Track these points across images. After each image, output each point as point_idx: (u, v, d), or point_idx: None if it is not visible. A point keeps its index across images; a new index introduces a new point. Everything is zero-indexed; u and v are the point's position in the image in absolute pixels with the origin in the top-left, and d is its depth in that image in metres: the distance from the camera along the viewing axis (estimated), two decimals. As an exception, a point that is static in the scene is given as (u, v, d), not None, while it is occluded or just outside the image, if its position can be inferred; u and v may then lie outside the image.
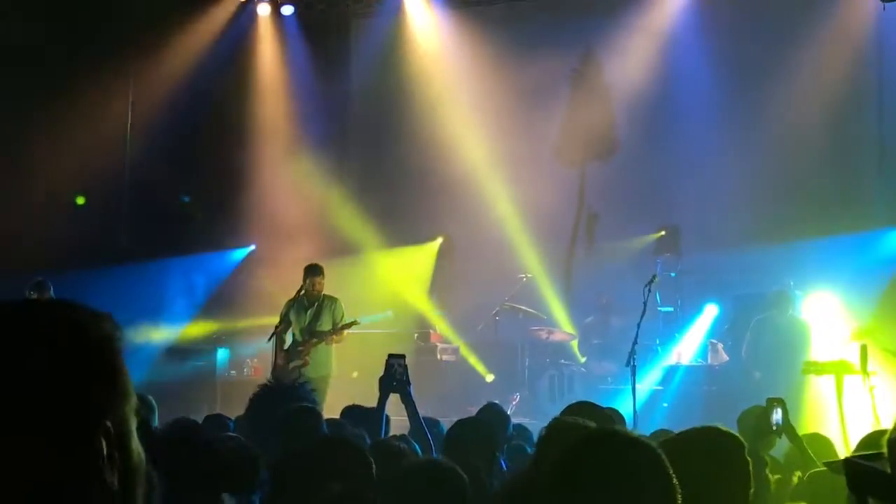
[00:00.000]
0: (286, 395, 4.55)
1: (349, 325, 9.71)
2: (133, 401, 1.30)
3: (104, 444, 1.24)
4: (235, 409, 5.97)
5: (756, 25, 12.49)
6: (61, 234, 11.96)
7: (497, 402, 6.31)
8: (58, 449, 1.22)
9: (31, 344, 1.24)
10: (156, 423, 4.96)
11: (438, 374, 12.14)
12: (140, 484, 1.30)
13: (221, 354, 12.49)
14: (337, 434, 4.09)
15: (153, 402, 5.13)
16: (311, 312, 9.75)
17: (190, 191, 13.56)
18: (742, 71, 12.41)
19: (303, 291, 9.76)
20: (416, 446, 4.30)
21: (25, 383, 1.22)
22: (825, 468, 3.41)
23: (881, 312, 9.85)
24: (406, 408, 4.76)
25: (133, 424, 1.30)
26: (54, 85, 11.93)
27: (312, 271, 9.80)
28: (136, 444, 1.30)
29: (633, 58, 12.92)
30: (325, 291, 9.94)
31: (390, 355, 4.77)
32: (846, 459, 2.00)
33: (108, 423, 1.25)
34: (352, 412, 5.29)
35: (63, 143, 11.83)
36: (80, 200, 12.82)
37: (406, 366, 4.70)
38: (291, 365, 9.56)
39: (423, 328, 13.14)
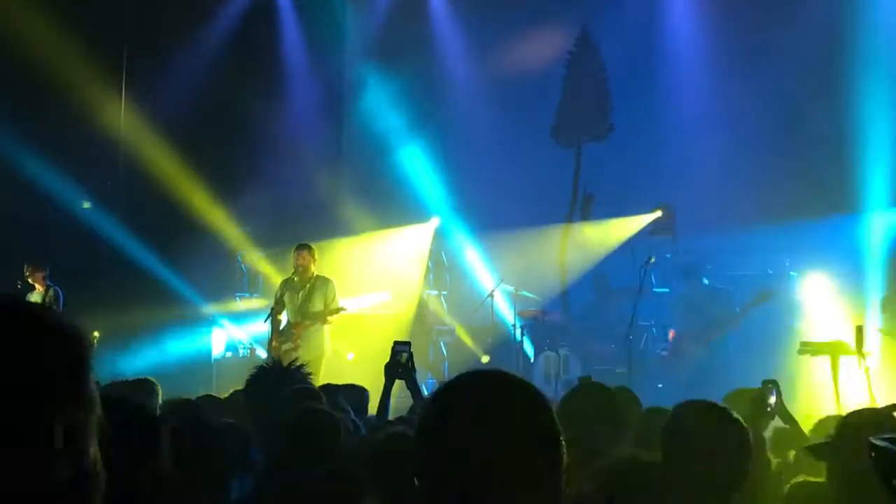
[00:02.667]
0: (280, 378, 4.56)
1: (335, 312, 9.73)
2: (95, 410, 1.35)
3: (50, 444, 1.28)
4: (231, 390, 5.97)
5: (751, 6, 12.46)
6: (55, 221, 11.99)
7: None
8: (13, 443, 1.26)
9: None
10: (159, 402, 4.96)
11: (434, 356, 12.16)
12: (96, 489, 1.35)
13: (217, 335, 12.51)
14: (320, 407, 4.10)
15: (156, 385, 5.12)
16: (302, 294, 9.77)
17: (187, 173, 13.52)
18: (737, 51, 12.37)
19: (294, 272, 9.80)
20: None
21: None
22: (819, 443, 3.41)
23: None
24: (412, 394, 4.82)
25: (92, 431, 1.34)
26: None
27: (297, 248, 9.87)
28: (93, 451, 1.35)
29: (628, 39, 12.89)
30: (321, 272, 9.95)
31: (396, 342, 4.82)
32: (870, 441, 1.99)
33: (59, 426, 1.30)
34: (327, 390, 5.32)
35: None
36: (86, 205, 12.82)
37: (412, 353, 4.76)
38: (284, 347, 9.57)
39: (419, 309, 13.15)
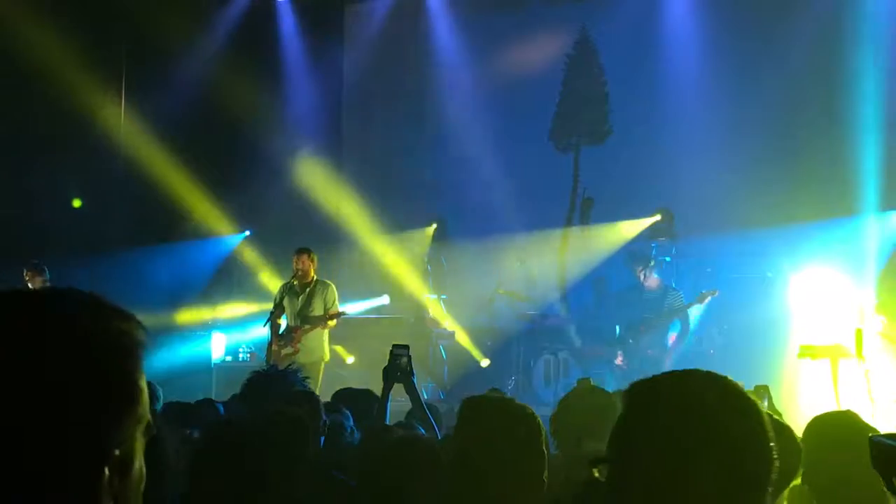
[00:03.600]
0: (278, 381, 4.56)
1: (335, 316, 9.72)
2: (146, 419, 1.14)
3: (107, 475, 1.07)
4: (230, 395, 5.96)
5: (750, 8, 12.47)
6: (55, 221, 11.97)
7: (496, 387, 6.32)
8: (58, 486, 1.04)
9: (34, 362, 1.04)
10: (159, 406, 4.96)
11: (433, 359, 12.15)
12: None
13: (217, 340, 12.50)
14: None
15: (158, 390, 5.11)
16: (302, 298, 9.75)
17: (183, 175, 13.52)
18: (736, 54, 12.39)
19: (294, 276, 9.79)
20: (422, 431, 4.35)
21: (28, 414, 1.02)
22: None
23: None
24: (410, 398, 4.80)
25: (140, 444, 1.13)
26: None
27: (297, 252, 9.85)
28: (139, 465, 1.14)
29: (627, 41, 12.90)
30: (321, 277, 9.94)
31: (394, 346, 4.80)
32: (871, 439, 1.99)
33: (117, 453, 1.08)
34: (343, 396, 5.30)
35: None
36: (77, 203, 12.80)
37: (410, 356, 4.74)
38: (283, 351, 9.56)
39: (418, 313, 13.14)
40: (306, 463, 3.52)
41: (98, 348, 1.09)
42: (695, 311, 10.41)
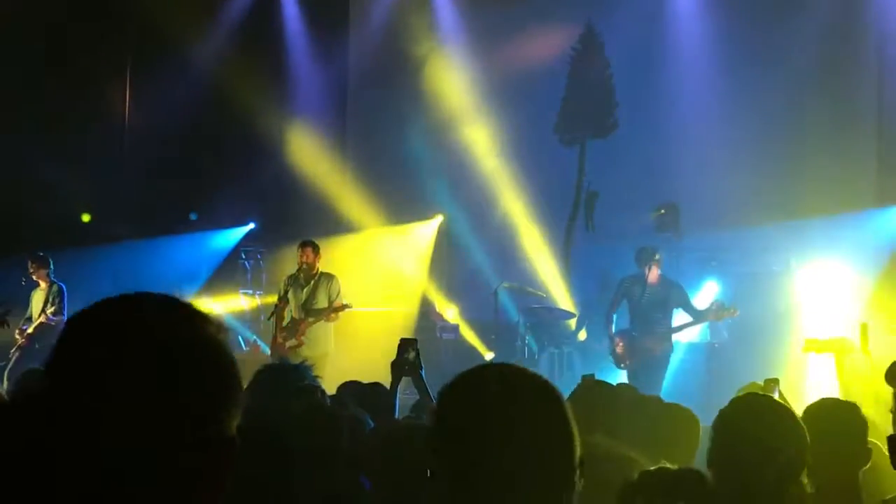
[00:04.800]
0: (287, 375, 4.56)
1: (341, 308, 9.72)
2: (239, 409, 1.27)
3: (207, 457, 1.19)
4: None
5: (757, 2, 12.45)
6: (60, 213, 11.99)
7: None
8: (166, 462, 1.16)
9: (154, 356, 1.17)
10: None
11: (438, 353, 12.14)
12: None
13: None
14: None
15: None
16: (307, 290, 9.76)
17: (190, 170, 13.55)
18: (743, 47, 12.36)
19: (299, 268, 9.79)
20: None
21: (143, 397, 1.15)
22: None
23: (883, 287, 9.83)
24: (419, 391, 4.82)
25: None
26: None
27: (301, 245, 9.84)
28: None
29: (633, 35, 12.87)
30: (325, 269, 9.95)
31: (403, 339, 4.82)
32: (890, 437, 2.00)
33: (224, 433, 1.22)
34: (348, 388, 5.30)
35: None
36: (86, 218, 12.84)
37: (418, 350, 4.75)
38: (288, 344, 9.57)
39: (422, 306, 13.15)
40: (338, 456, 3.53)
41: (213, 353, 1.24)
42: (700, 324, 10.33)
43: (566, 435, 1.68)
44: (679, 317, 9.99)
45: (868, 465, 3.23)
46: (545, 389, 1.73)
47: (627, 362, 9.86)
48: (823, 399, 3.53)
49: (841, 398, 7.90)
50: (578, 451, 1.68)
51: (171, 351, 1.18)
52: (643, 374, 9.40)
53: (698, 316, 9.88)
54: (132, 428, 1.13)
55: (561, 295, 12.85)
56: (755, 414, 2.82)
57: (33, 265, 10.52)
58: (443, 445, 1.69)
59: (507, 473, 1.62)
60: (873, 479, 3.35)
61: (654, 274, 9.90)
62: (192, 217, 13.46)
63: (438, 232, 13.95)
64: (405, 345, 4.76)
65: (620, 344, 9.93)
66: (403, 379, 4.79)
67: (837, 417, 3.10)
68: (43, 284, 10.54)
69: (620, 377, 9.35)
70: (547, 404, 1.71)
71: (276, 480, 2.86)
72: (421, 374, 4.77)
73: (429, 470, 1.71)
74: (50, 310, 10.39)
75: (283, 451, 2.93)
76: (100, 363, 1.15)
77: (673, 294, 9.88)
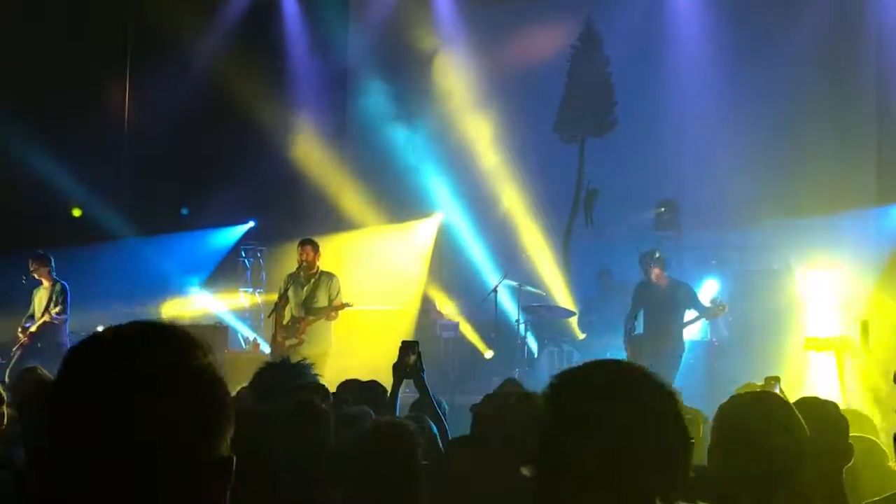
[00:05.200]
0: (287, 374, 4.57)
1: (341, 307, 9.72)
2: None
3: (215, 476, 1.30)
4: (233, 385, 5.96)
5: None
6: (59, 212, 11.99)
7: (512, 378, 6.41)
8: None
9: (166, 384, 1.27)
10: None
11: (437, 351, 12.14)
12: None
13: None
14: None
15: None
16: (307, 289, 9.76)
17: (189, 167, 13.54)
18: (742, 45, 12.34)
19: (299, 267, 9.79)
20: (434, 427, 4.37)
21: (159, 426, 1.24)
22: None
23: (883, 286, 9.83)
24: (419, 392, 4.83)
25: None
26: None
27: (301, 243, 9.86)
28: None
29: (632, 33, 12.87)
30: (325, 267, 9.94)
31: (404, 342, 4.83)
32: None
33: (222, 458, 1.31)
34: (348, 386, 5.30)
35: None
36: (77, 212, 12.81)
37: (420, 352, 4.76)
38: (288, 342, 9.56)
39: (422, 304, 13.15)
40: (325, 451, 3.53)
41: (208, 380, 1.32)
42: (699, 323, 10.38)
43: (683, 429, 1.74)
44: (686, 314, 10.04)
45: (850, 463, 3.23)
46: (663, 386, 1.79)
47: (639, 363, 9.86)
48: (804, 397, 3.53)
49: (841, 396, 7.93)
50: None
51: (172, 381, 1.27)
52: None
53: (703, 312, 9.95)
54: (137, 454, 1.23)
55: (560, 293, 12.84)
56: (755, 408, 2.83)
57: (34, 264, 10.50)
58: (563, 433, 1.72)
59: (629, 458, 1.67)
60: (852, 478, 3.35)
61: (659, 275, 9.93)
62: (184, 212, 13.44)
63: (438, 230, 13.95)
64: (406, 348, 4.77)
65: (631, 347, 9.98)
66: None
67: (818, 415, 3.10)
68: (46, 283, 10.52)
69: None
70: (667, 396, 1.77)
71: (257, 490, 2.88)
72: (422, 377, 4.79)
73: (530, 459, 1.73)
74: (55, 309, 10.38)
75: (264, 462, 2.94)
76: (103, 396, 1.24)
77: (681, 294, 9.91)
